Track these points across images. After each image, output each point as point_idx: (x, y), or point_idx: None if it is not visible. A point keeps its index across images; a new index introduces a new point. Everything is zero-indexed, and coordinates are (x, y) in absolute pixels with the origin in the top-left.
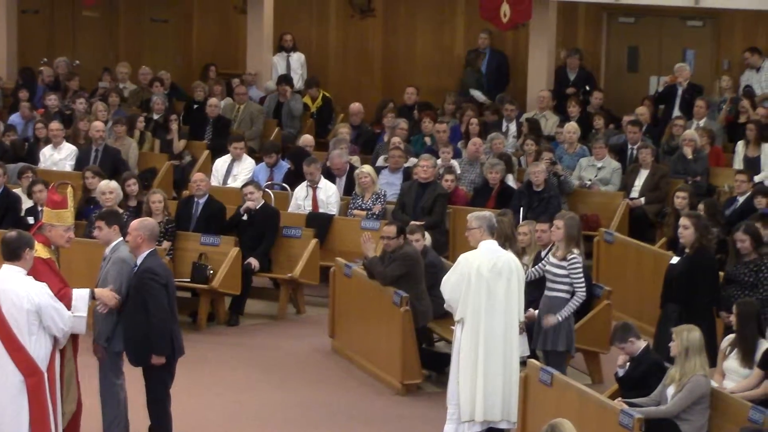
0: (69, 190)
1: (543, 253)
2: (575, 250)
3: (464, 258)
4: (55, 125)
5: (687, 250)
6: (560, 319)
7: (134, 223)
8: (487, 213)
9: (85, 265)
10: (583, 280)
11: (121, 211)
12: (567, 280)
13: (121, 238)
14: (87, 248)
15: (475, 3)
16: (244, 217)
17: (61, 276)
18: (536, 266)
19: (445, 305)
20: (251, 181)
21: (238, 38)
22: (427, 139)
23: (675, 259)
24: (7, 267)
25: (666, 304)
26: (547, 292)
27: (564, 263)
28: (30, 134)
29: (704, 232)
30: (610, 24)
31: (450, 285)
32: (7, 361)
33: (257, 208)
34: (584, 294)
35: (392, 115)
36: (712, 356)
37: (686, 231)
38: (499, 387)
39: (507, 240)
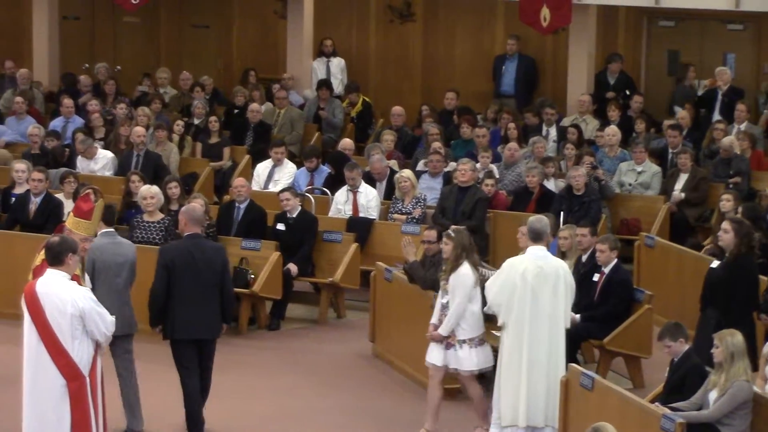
0: (99, 204)
1: (584, 258)
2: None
3: (509, 263)
4: (80, 136)
5: (727, 255)
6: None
7: (182, 209)
8: (534, 218)
9: None
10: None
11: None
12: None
13: (105, 229)
14: None
15: (515, 8)
16: (280, 227)
17: (80, 280)
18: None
19: (485, 308)
20: (288, 188)
21: (278, 43)
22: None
23: (715, 263)
24: (51, 272)
25: (705, 308)
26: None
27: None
28: (69, 136)
29: (745, 238)
30: (651, 28)
31: (494, 290)
32: (50, 366)
33: (295, 214)
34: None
35: (430, 120)
36: (753, 361)
37: (726, 235)
38: (543, 392)
39: (464, 251)
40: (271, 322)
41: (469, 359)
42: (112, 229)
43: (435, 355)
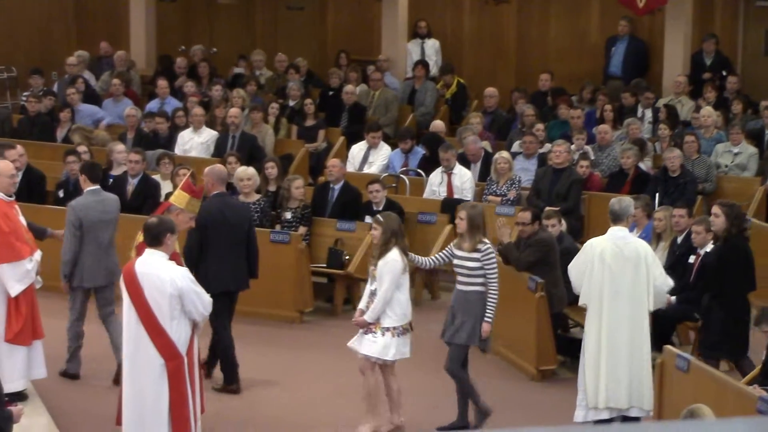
0: (182, 172)
1: (679, 239)
2: (485, 240)
3: (589, 243)
4: (197, 110)
5: (717, 240)
6: (489, 320)
7: (206, 169)
8: (615, 200)
9: None
10: (496, 270)
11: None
12: (481, 272)
13: (91, 187)
14: None
15: None
16: (368, 219)
17: (179, 259)
18: (440, 253)
19: (573, 289)
20: (377, 179)
21: (373, 25)
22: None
23: (709, 247)
24: (150, 252)
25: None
26: (459, 287)
27: (476, 254)
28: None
29: (736, 220)
30: (748, 8)
31: (575, 270)
32: (149, 345)
33: (381, 207)
34: (497, 285)
35: (522, 101)
36: (743, 345)
37: (717, 219)
38: (625, 374)
39: (394, 236)
40: None
41: (387, 348)
42: (98, 187)
43: (357, 341)
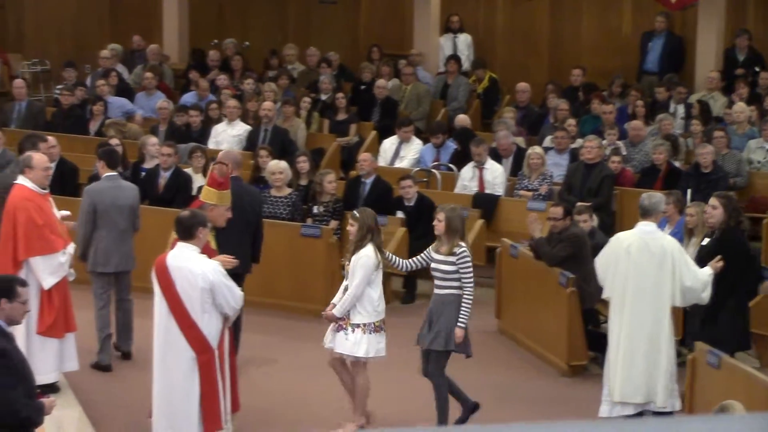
0: (227, 171)
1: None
2: (462, 243)
3: (616, 237)
4: (231, 102)
5: (716, 231)
6: (462, 326)
7: (220, 154)
8: (646, 194)
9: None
10: (472, 274)
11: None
12: (457, 275)
13: (109, 173)
14: None
15: None
16: (399, 214)
17: (213, 253)
18: (419, 256)
19: (599, 282)
20: (409, 175)
21: (405, 19)
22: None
23: (706, 241)
24: (182, 245)
25: None
26: (437, 291)
27: (452, 258)
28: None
29: (734, 212)
30: None
31: (601, 263)
32: (180, 339)
33: (413, 202)
34: (472, 289)
35: (553, 96)
36: (741, 338)
37: (715, 211)
38: (642, 370)
39: (369, 232)
40: (405, 296)
41: (357, 345)
42: (115, 173)
43: (329, 337)
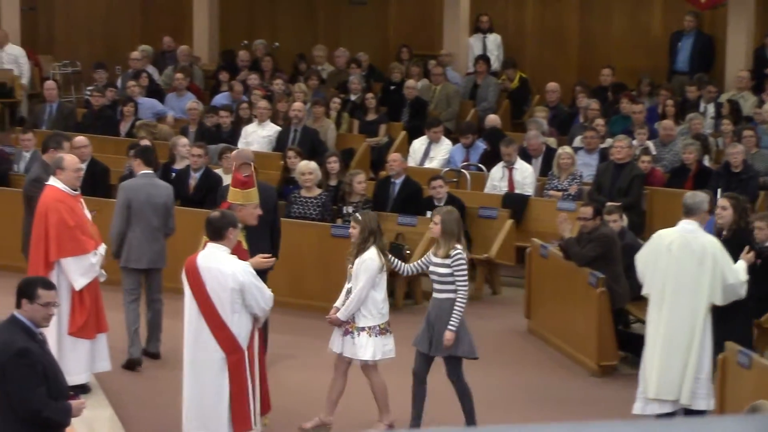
0: (251, 169)
1: None
2: (458, 246)
3: (657, 234)
4: (262, 103)
5: (724, 232)
6: (453, 329)
7: (233, 153)
8: (690, 193)
9: (285, 245)
10: (466, 278)
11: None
12: (452, 278)
13: (145, 171)
14: (283, 227)
15: None
16: (429, 215)
17: (244, 254)
18: (420, 260)
19: (638, 279)
20: (439, 176)
21: (434, 20)
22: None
23: None
24: (212, 246)
25: None
26: (435, 295)
27: (448, 261)
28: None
29: (743, 213)
30: None
31: (642, 259)
32: (210, 339)
33: (443, 203)
34: (465, 293)
35: (583, 96)
36: (745, 336)
37: (725, 212)
38: (679, 368)
39: (372, 234)
40: None
41: (364, 348)
42: (151, 171)
43: (335, 342)
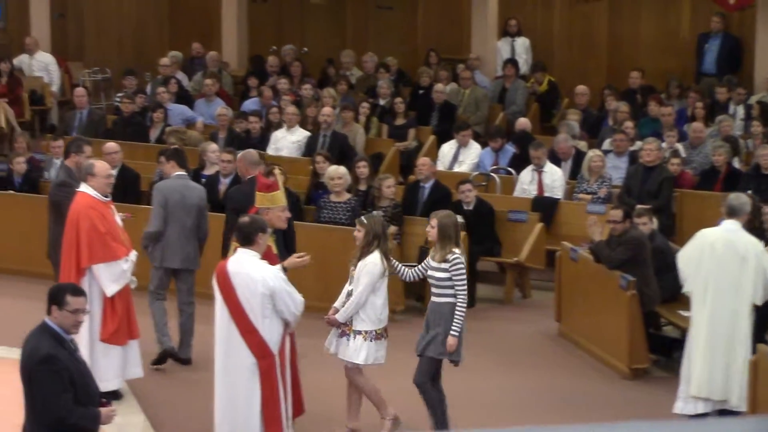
0: (277, 172)
1: None
2: (456, 250)
3: (701, 233)
4: (290, 108)
5: None
6: (455, 334)
7: (239, 155)
8: (734, 195)
9: (315, 250)
10: (465, 282)
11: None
12: (450, 283)
13: (179, 172)
14: (312, 232)
15: None
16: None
17: (275, 259)
18: (420, 265)
19: (680, 279)
20: (467, 180)
21: (462, 24)
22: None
23: None
24: (242, 251)
25: None
26: (433, 299)
27: (445, 265)
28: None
29: (757, 213)
30: None
31: (684, 258)
32: (241, 344)
33: (472, 207)
34: (465, 297)
35: (612, 99)
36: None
37: None
38: (721, 367)
39: (376, 238)
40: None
41: (357, 351)
42: (185, 173)
43: (331, 342)
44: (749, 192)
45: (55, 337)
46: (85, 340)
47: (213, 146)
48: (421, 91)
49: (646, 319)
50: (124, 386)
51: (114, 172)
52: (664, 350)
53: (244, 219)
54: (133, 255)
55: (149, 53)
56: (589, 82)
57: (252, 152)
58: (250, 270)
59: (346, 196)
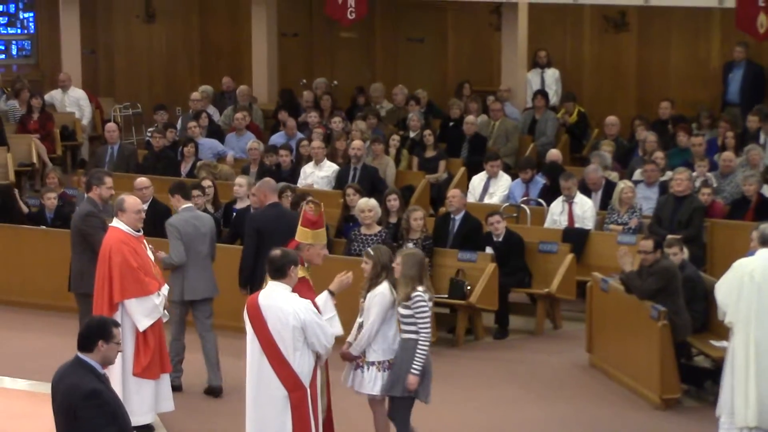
0: (322, 209)
1: None
2: (420, 288)
3: (738, 262)
4: (316, 143)
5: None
6: (416, 372)
7: (258, 183)
8: (764, 225)
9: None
10: (428, 321)
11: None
12: (413, 320)
13: (185, 205)
14: (343, 265)
15: (731, 14)
16: (488, 250)
17: (315, 293)
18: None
19: (718, 311)
20: (496, 212)
21: (492, 55)
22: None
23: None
24: (273, 284)
25: None
26: (401, 334)
27: (408, 302)
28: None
29: None
30: None
31: (722, 289)
32: (273, 377)
33: (501, 238)
34: (428, 336)
35: (642, 129)
36: None
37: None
38: None
39: (384, 269)
40: (497, 331)
41: (372, 382)
42: (191, 204)
43: (347, 375)
44: None
45: (92, 371)
46: (117, 375)
47: (242, 180)
48: (451, 123)
49: (678, 349)
50: (156, 419)
51: (145, 206)
52: (695, 380)
53: (276, 252)
54: (165, 289)
55: (180, 88)
56: (619, 113)
57: (271, 181)
58: (282, 303)
59: (377, 228)
